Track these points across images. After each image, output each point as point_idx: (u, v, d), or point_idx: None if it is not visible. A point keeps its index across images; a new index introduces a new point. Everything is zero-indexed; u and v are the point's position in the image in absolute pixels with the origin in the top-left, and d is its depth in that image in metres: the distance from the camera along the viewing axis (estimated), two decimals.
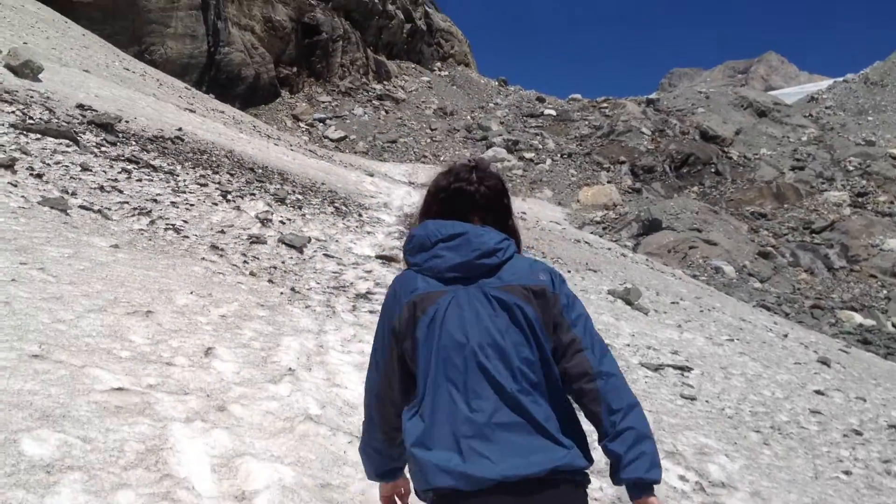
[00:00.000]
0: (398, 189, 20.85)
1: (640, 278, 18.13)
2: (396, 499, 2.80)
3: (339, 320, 7.18)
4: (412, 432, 2.33)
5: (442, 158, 48.57)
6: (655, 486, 2.32)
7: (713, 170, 55.23)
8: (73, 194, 9.33)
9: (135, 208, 9.57)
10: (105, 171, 10.96)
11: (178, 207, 10.31)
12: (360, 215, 14.25)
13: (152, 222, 9.25)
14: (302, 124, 50.98)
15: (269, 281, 8.00)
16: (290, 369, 5.33)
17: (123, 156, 12.23)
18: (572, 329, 2.40)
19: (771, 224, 46.68)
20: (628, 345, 9.50)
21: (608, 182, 50.54)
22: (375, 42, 63.45)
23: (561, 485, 2.24)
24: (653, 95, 70.47)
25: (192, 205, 10.63)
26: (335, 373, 5.63)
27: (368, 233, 12.80)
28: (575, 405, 2.44)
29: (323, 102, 54.82)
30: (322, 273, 9.35)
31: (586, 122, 59.11)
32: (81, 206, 8.86)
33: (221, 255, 8.55)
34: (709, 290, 22.68)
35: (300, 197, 13.92)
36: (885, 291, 36.11)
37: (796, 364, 11.54)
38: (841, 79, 77.10)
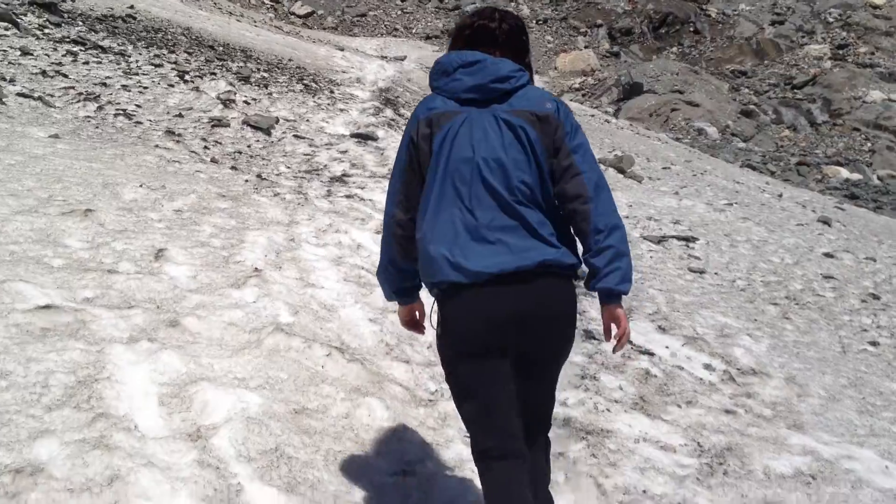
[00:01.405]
0: (371, 63, 19.71)
1: (628, 145, 17.36)
2: (415, 324, 3.00)
3: (313, 208, 6.42)
4: (421, 228, 2.61)
5: (414, 31, 46.91)
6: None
7: (692, 28, 53.67)
8: (12, 81, 8.43)
9: (80, 93, 8.68)
10: (48, 55, 9.98)
11: (129, 91, 9.40)
12: (331, 92, 13.30)
13: (100, 108, 8.38)
14: (266, 0, 48.84)
15: (233, 168, 7.21)
16: (256, 269, 4.62)
17: (69, 37, 11.19)
18: (572, 154, 2.60)
19: (752, 82, 45.68)
20: (627, 217, 8.82)
21: (585, 47, 49.06)
22: None
23: (550, 276, 2.52)
24: None
25: (145, 87, 9.72)
26: (309, 270, 4.93)
27: (342, 110, 11.91)
28: None
29: None
30: (292, 156, 8.56)
31: None
32: (20, 94, 7.98)
33: (178, 142, 7.72)
34: (696, 153, 21.96)
35: (265, 75, 12.94)
36: (868, 144, 35.50)
37: (799, 226, 10.94)
38: None
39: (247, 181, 6.78)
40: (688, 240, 8.18)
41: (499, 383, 2.56)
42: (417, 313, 2.97)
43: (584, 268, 2.60)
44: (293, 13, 47.80)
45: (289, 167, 8.03)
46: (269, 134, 9.23)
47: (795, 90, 43.23)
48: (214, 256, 4.68)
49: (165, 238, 4.74)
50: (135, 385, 3.14)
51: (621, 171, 11.85)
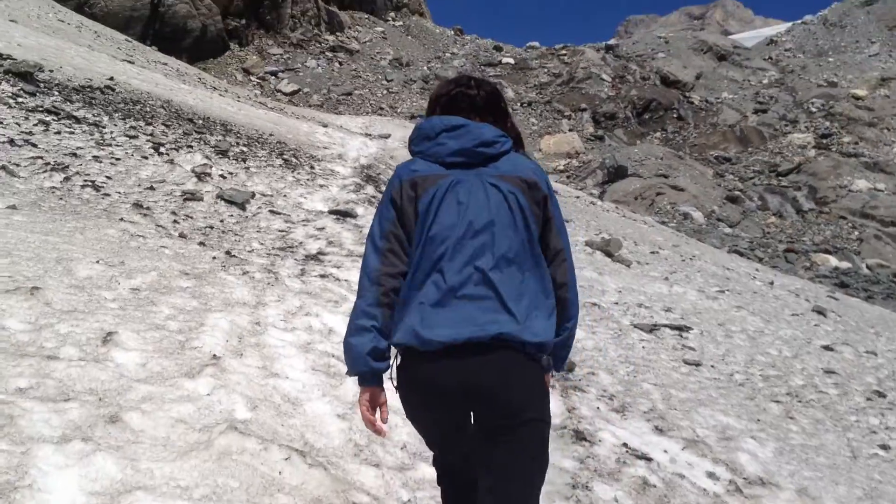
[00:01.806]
0: (354, 140, 19.47)
1: (614, 227, 17.07)
2: (375, 412, 2.62)
3: (283, 288, 5.98)
4: (402, 291, 2.55)
5: (399, 110, 47.20)
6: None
7: (675, 115, 54.47)
8: None
9: (48, 164, 8.28)
10: (19, 124, 9.61)
11: (100, 162, 9.01)
12: (311, 167, 12.98)
13: (67, 178, 7.98)
14: (253, 78, 49.11)
15: (201, 244, 6.78)
16: (214, 357, 4.15)
17: (42, 106, 10.84)
18: (560, 237, 2.65)
19: (736, 168, 46.07)
20: (616, 303, 8.43)
21: (570, 130, 49.47)
22: None
23: (504, 350, 2.43)
24: (611, 42, 69.24)
25: (117, 159, 9.34)
26: (273, 358, 4.46)
27: (321, 186, 11.56)
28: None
29: (274, 55, 52.89)
30: (267, 232, 8.16)
31: (545, 70, 57.89)
32: None
33: (146, 215, 7.31)
34: (684, 238, 21.73)
35: (245, 149, 12.61)
36: (856, 232, 35.57)
37: (794, 316, 10.58)
38: (800, 21, 76.35)
39: (214, 258, 6.35)
40: (681, 329, 7.77)
41: (452, 436, 2.67)
42: (381, 399, 2.61)
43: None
44: (279, 90, 48.08)
45: (262, 244, 7.62)
46: (243, 209, 8.84)
47: (780, 177, 43.59)
48: (169, 341, 4.23)
49: (117, 320, 4.29)
50: (60, 495, 2.68)
51: (609, 254, 11.50)
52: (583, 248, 11.78)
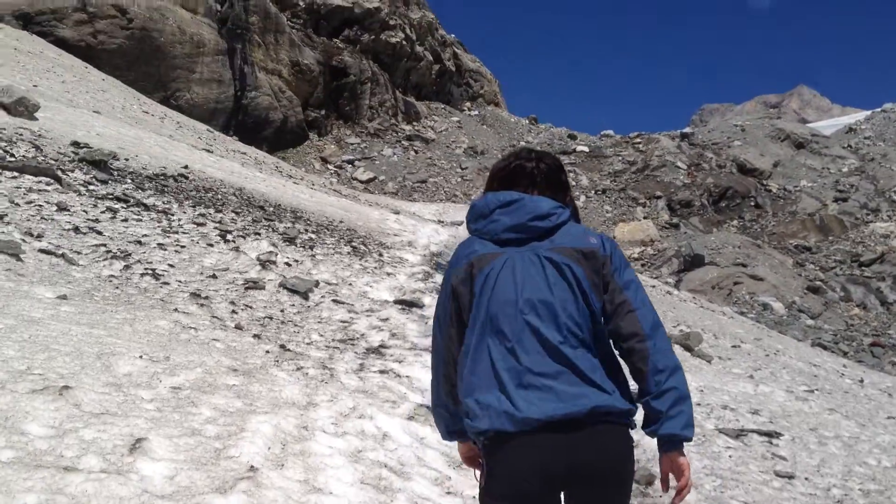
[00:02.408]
0: (425, 227, 19.28)
1: (692, 319, 16.39)
2: (476, 459, 2.74)
3: (337, 387, 5.60)
4: (462, 375, 2.51)
5: (473, 197, 47.21)
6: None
7: (753, 203, 53.53)
8: (39, 237, 7.94)
9: (110, 251, 8.15)
10: (86, 211, 9.58)
11: (165, 250, 8.88)
12: (380, 255, 12.74)
13: (127, 267, 7.82)
14: (330, 166, 49.89)
15: (256, 336, 6.46)
16: (251, 468, 3.77)
17: (113, 194, 10.85)
18: (624, 291, 2.52)
19: (816, 257, 44.73)
20: (699, 404, 7.83)
21: (644, 217, 48.85)
22: (404, 83, 62.49)
23: (602, 424, 2.36)
24: (686, 130, 68.84)
25: (182, 246, 9.20)
26: (318, 469, 4.05)
27: (388, 274, 11.28)
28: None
29: (352, 144, 53.76)
30: (328, 323, 7.85)
31: (619, 158, 57.63)
32: (42, 250, 7.45)
33: (202, 305, 7.06)
34: (766, 331, 20.83)
35: (313, 236, 12.45)
36: None
37: (890, 419, 9.78)
38: (879, 109, 75.10)
39: (268, 352, 6.03)
40: (771, 435, 7.14)
41: None
42: (476, 450, 2.72)
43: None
44: (355, 178, 48.70)
45: (322, 335, 7.30)
46: (306, 298, 8.57)
47: (863, 267, 42.15)
48: (204, 449, 3.86)
49: (150, 424, 3.95)
50: None
51: (689, 349, 10.90)
52: None
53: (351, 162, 50.88)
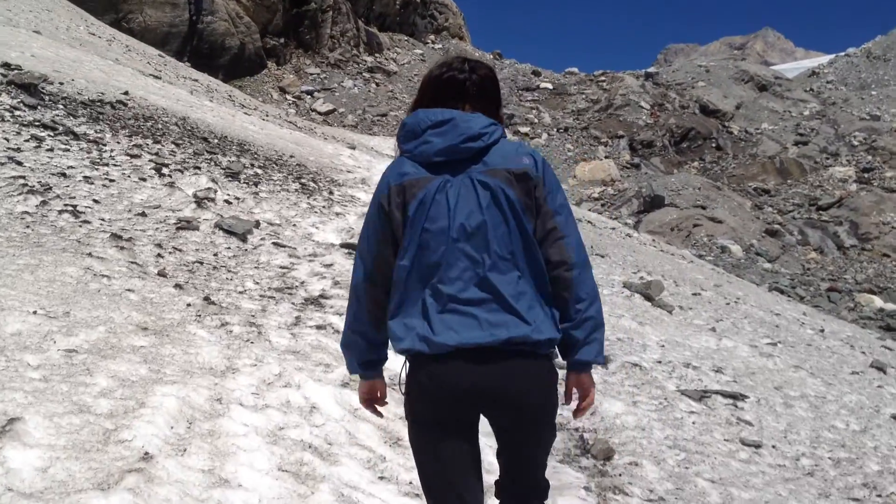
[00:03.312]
0: (381, 163, 18.52)
1: (652, 264, 15.94)
2: (374, 404, 2.80)
3: (265, 347, 4.99)
4: (393, 299, 2.51)
5: None
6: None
7: (714, 145, 53.31)
8: None
9: (27, 185, 7.42)
10: (7, 139, 8.81)
11: (91, 184, 8.17)
12: (330, 193, 12.06)
13: (45, 203, 7.11)
14: (289, 97, 48.59)
15: (177, 286, 5.80)
16: (145, 455, 3.18)
17: (40, 121, 10.03)
18: (555, 217, 2.51)
19: (775, 200, 44.74)
20: (659, 361, 7.33)
21: (606, 157, 48.40)
22: (367, 13, 60.80)
23: (516, 356, 2.41)
24: (651, 69, 68.21)
25: (111, 180, 8.48)
26: (228, 454, 3.47)
27: (337, 214, 10.64)
28: None
29: (311, 74, 52.32)
30: (266, 269, 7.24)
31: (583, 96, 56.90)
32: None
33: (123, 248, 6.39)
34: (725, 276, 20.50)
35: (259, 171, 11.73)
36: None
37: (854, 374, 9.43)
38: (842, 53, 75.00)
39: (189, 305, 5.40)
40: (735, 397, 6.68)
41: (458, 452, 2.53)
42: (379, 392, 2.78)
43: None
44: (314, 110, 47.53)
45: (257, 283, 6.69)
46: (244, 240, 7.94)
47: (821, 211, 42.22)
48: (91, 431, 3.27)
49: (30, 399, 3.35)
50: None
51: (649, 298, 10.42)
52: (620, 290, 10.71)
53: (310, 93, 49.61)
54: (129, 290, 5.30)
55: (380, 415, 2.85)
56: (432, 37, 67.81)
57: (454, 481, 2.52)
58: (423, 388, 2.47)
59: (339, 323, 6.05)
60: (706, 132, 53.69)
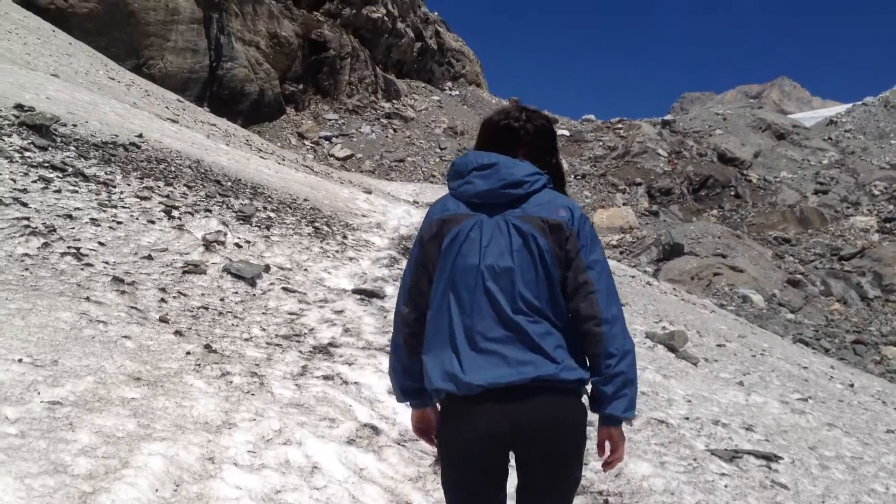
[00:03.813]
0: (396, 208, 18.28)
1: (674, 313, 15.54)
2: (427, 433, 2.81)
3: (266, 399, 4.66)
4: (426, 335, 2.58)
5: None
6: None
7: (733, 193, 53.05)
8: None
9: (30, 226, 7.18)
10: (14, 180, 8.60)
11: (97, 226, 7.92)
12: (343, 237, 11.80)
13: (47, 244, 6.85)
14: (307, 142, 48.74)
15: (177, 332, 5.50)
16: None
17: (49, 162, 9.84)
18: (588, 271, 2.51)
19: (796, 250, 44.22)
20: (687, 418, 6.94)
21: (624, 204, 48.15)
22: (385, 60, 61.22)
23: (545, 393, 2.42)
24: (668, 117, 68.20)
25: (118, 222, 8.24)
26: None
27: (351, 259, 10.36)
28: None
29: (329, 120, 52.55)
30: (273, 315, 6.93)
31: (600, 143, 56.87)
32: None
33: (124, 293, 6.10)
34: (749, 326, 20.03)
35: (272, 214, 11.49)
36: None
37: (889, 433, 8.97)
38: (859, 102, 74.96)
39: (189, 353, 5.08)
40: (769, 458, 6.28)
41: (491, 493, 2.55)
42: (432, 422, 2.78)
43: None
44: (332, 155, 47.62)
45: (264, 329, 6.39)
46: (252, 284, 7.65)
47: (843, 261, 41.63)
48: (66, 494, 2.95)
49: (2, 456, 3.03)
50: None
51: (673, 349, 10.04)
52: (643, 340, 10.33)
53: (328, 138, 49.76)
54: (125, 336, 5.00)
55: (433, 443, 2.82)
56: (450, 83, 68.20)
57: None
58: (457, 434, 2.49)
59: (348, 373, 5.72)
60: (724, 180, 53.43)
